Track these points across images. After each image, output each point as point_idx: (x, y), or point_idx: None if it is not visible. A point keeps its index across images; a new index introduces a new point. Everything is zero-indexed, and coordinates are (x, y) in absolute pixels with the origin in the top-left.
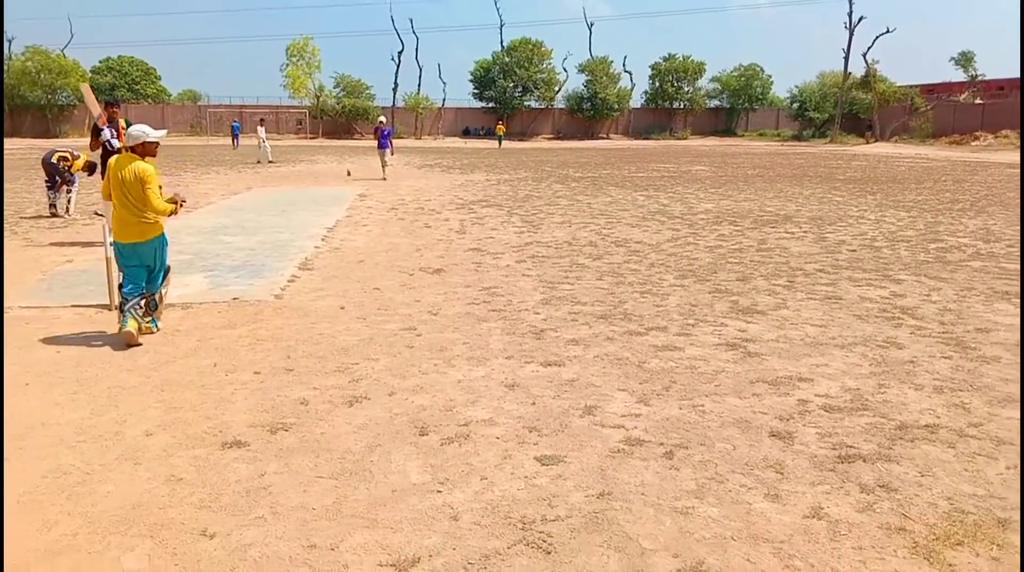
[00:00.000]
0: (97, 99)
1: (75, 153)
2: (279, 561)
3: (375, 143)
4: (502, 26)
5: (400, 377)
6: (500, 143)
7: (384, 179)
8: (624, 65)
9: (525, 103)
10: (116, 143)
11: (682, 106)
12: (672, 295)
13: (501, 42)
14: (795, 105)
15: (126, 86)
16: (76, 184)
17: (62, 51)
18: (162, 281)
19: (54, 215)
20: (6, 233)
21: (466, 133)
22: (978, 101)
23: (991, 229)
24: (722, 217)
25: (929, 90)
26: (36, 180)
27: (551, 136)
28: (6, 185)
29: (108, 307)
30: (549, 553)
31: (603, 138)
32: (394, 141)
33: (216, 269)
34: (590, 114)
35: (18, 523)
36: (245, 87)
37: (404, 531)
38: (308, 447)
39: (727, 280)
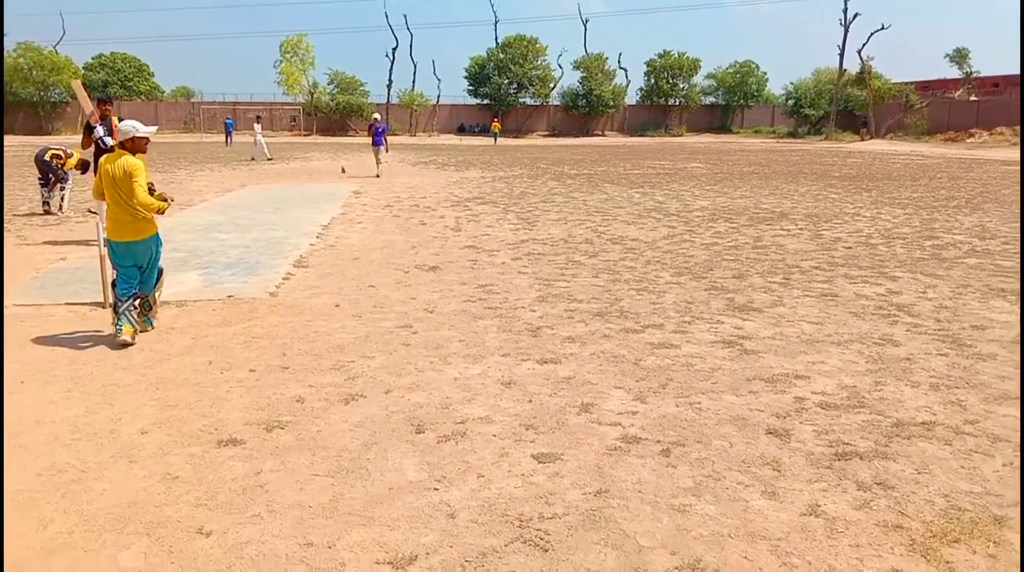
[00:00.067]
0: (89, 96)
1: (68, 151)
2: (276, 559)
3: (370, 140)
4: (497, 22)
5: (396, 375)
6: (496, 140)
7: (378, 177)
8: (619, 62)
9: (520, 100)
10: (109, 141)
11: (677, 103)
12: (668, 292)
13: (496, 38)
14: (790, 102)
15: (119, 83)
16: (70, 182)
17: (54, 48)
18: (156, 282)
19: (47, 213)
20: None
21: (461, 130)
22: (973, 98)
23: (986, 226)
24: (718, 214)
25: (924, 87)
26: (29, 178)
27: (546, 133)
28: None
29: (102, 305)
30: (546, 551)
31: (598, 135)
32: (389, 138)
33: (211, 267)
34: (585, 111)
35: (14, 521)
36: (239, 84)
37: (401, 529)
38: (304, 445)
39: (723, 277)
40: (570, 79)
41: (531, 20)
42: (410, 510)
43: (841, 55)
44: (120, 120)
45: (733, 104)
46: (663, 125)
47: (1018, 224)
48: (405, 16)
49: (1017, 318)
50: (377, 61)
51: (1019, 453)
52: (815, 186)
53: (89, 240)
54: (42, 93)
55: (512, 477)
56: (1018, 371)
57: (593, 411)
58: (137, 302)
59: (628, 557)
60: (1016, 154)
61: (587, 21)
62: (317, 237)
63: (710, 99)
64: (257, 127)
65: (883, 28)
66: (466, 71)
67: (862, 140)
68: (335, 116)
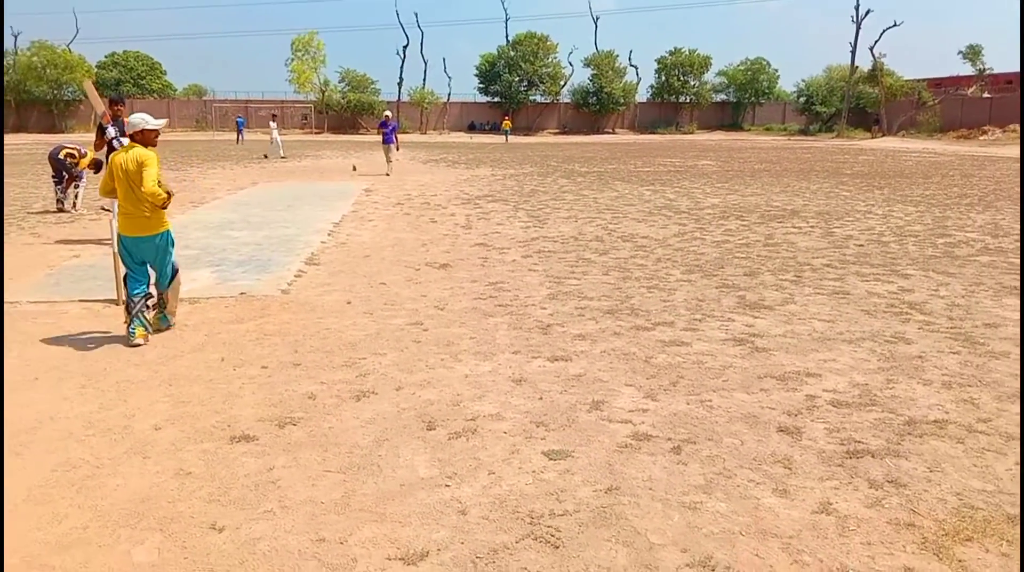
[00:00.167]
0: (101, 96)
1: (83, 151)
2: (288, 555)
3: (380, 138)
4: (507, 20)
5: (407, 372)
6: (507, 138)
7: (388, 175)
8: (630, 59)
9: (530, 98)
10: (125, 142)
11: (688, 100)
12: (679, 290)
13: (506, 36)
14: (802, 99)
15: (132, 81)
16: (84, 180)
17: (68, 46)
18: (171, 280)
19: (61, 210)
20: (13, 228)
21: (471, 128)
22: (986, 95)
23: (999, 224)
24: (729, 212)
25: (936, 84)
26: (43, 175)
27: (557, 131)
28: (14, 180)
29: (115, 302)
30: (557, 548)
31: (609, 133)
32: (399, 136)
33: (223, 264)
34: (596, 109)
35: (29, 516)
36: (250, 82)
37: (412, 525)
38: (316, 441)
39: (734, 275)
40: (581, 77)
41: (542, 18)
42: (421, 506)
43: (853, 52)
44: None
45: (744, 101)
46: (674, 122)
47: None
48: (416, 14)
49: None
50: (388, 59)
51: (1022, 455)
52: (827, 184)
53: (103, 239)
54: (55, 91)
55: (523, 474)
56: None
57: (604, 408)
58: (150, 302)
59: (639, 554)
60: None
61: (598, 19)
62: (328, 235)
63: (721, 96)
64: (273, 125)
65: (895, 25)
66: (477, 69)
67: (874, 137)
68: (346, 114)
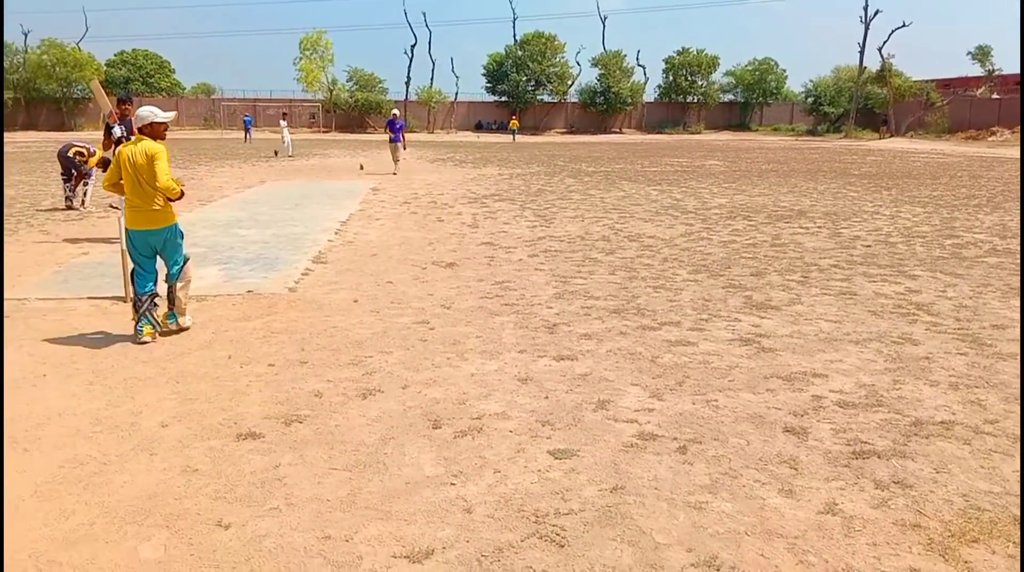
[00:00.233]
0: (108, 95)
1: (92, 150)
2: (294, 552)
3: (387, 136)
4: (515, 19)
5: (413, 370)
6: (515, 137)
7: (395, 174)
8: (638, 59)
9: (538, 97)
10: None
11: (696, 100)
12: (685, 290)
13: (514, 36)
14: (809, 100)
15: (140, 79)
16: (93, 178)
17: (77, 44)
18: (181, 270)
19: (70, 208)
20: (23, 225)
21: (479, 127)
22: (995, 96)
23: (1007, 225)
24: (736, 212)
25: (945, 85)
26: (52, 173)
27: (564, 130)
28: (22, 177)
29: (124, 299)
30: (562, 547)
31: (616, 132)
32: (407, 135)
33: (230, 262)
34: (603, 108)
35: (36, 512)
36: (259, 81)
37: (418, 523)
38: (322, 439)
39: (741, 275)
40: (588, 76)
41: (549, 17)
42: (427, 504)
43: (861, 52)
44: None
45: (752, 102)
46: (681, 122)
47: None
48: (424, 13)
49: None
50: (396, 58)
51: (1022, 455)
52: (834, 184)
53: (111, 238)
54: (65, 89)
55: (528, 473)
56: None
57: (609, 408)
58: (158, 301)
59: (644, 554)
60: None
61: (605, 18)
62: (336, 233)
63: (729, 96)
64: (283, 123)
65: (904, 25)
66: (484, 68)
67: (882, 138)
68: (354, 113)
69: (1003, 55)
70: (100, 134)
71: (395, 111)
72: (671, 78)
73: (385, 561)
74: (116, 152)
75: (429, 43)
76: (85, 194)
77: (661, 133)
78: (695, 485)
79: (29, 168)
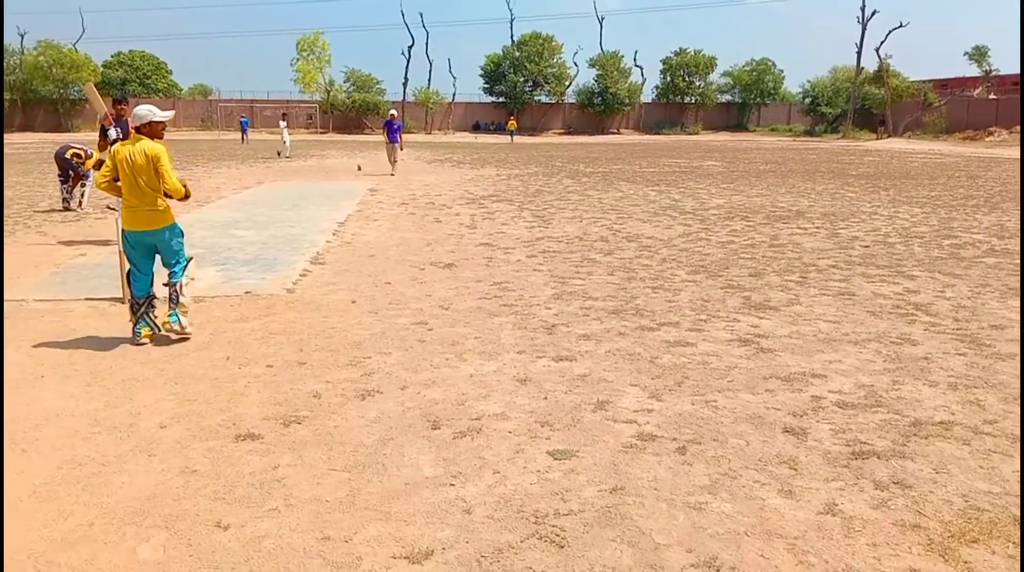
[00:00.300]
0: (103, 96)
1: (88, 151)
2: (293, 553)
3: (384, 138)
4: (512, 20)
5: (412, 371)
6: (512, 138)
7: (392, 175)
8: (635, 60)
9: (535, 98)
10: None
11: (693, 101)
12: (684, 291)
13: (511, 36)
14: (807, 100)
15: (137, 80)
16: (91, 179)
17: (74, 46)
18: (182, 271)
19: (67, 209)
20: (20, 226)
21: (476, 128)
22: (992, 96)
23: (1005, 225)
24: (734, 213)
25: (943, 85)
26: (49, 174)
27: (561, 131)
28: (19, 179)
29: (121, 300)
30: (562, 547)
31: (614, 133)
32: (404, 136)
33: (228, 263)
34: (601, 109)
35: (34, 513)
36: (256, 82)
37: (417, 524)
38: (321, 440)
39: (739, 276)
40: (586, 77)
41: (547, 18)
42: (426, 505)
43: (859, 53)
44: None
45: (749, 102)
46: (679, 123)
47: None
48: (421, 14)
49: None
50: (393, 59)
51: (1022, 454)
52: (832, 184)
53: (108, 240)
54: (61, 91)
55: (528, 473)
56: None
57: (609, 408)
58: (155, 301)
59: (644, 554)
60: None
61: (603, 19)
62: (334, 234)
63: (726, 97)
64: (283, 124)
65: (901, 26)
66: (482, 69)
67: (879, 139)
68: (351, 114)
69: (1000, 55)
70: (96, 136)
71: (392, 112)
72: (668, 79)
73: (384, 562)
74: (111, 151)
75: (426, 44)
76: (82, 195)
77: (659, 134)
78: (695, 486)
79: (26, 169)
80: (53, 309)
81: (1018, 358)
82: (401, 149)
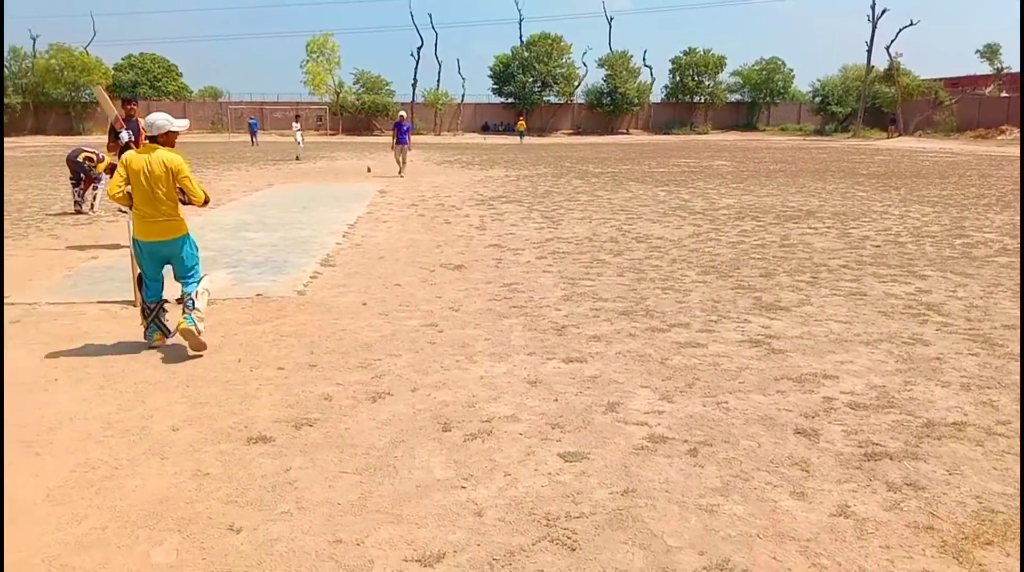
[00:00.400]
0: (113, 99)
1: (100, 155)
2: (305, 556)
3: (392, 138)
4: (521, 21)
5: (422, 373)
6: (522, 138)
7: (401, 176)
8: (644, 59)
9: (544, 98)
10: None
11: (703, 100)
12: (694, 291)
13: (520, 37)
14: (817, 99)
15: (148, 83)
16: (103, 182)
17: (85, 49)
18: (196, 287)
19: (79, 212)
20: (32, 229)
21: (485, 129)
22: (1004, 94)
23: (1018, 224)
24: (744, 213)
25: (954, 83)
26: (61, 177)
27: (570, 131)
28: (32, 182)
29: (133, 303)
30: (574, 550)
31: (623, 133)
32: (413, 137)
33: (239, 265)
34: (610, 109)
35: (48, 516)
36: (265, 84)
37: (429, 526)
38: (332, 442)
39: (750, 276)
40: (595, 77)
41: (556, 18)
42: (437, 508)
43: (869, 51)
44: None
45: (759, 101)
46: (688, 123)
47: None
48: (430, 15)
49: None
50: (402, 60)
51: (1022, 453)
52: (843, 184)
53: (118, 243)
54: (73, 94)
55: (539, 476)
56: None
57: (619, 410)
58: (166, 305)
59: (656, 557)
60: None
61: (612, 19)
62: (343, 236)
63: (736, 96)
64: (296, 126)
65: (912, 24)
66: (491, 70)
67: (890, 137)
68: (361, 115)
69: (1012, 53)
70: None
71: (402, 113)
72: (678, 78)
73: (396, 565)
74: (123, 159)
75: (435, 45)
76: (94, 198)
77: (668, 134)
78: (706, 488)
79: (38, 172)
80: (66, 312)
81: None
82: (409, 149)
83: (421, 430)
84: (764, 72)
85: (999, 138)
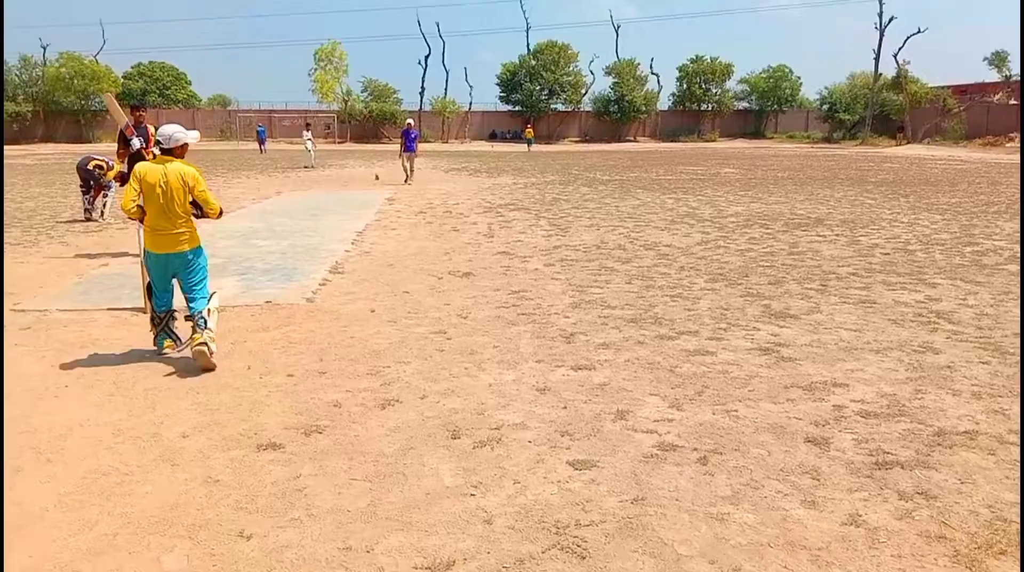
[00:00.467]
0: (122, 105)
1: (110, 163)
2: (315, 563)
3: (399, 146)
4: (528, 29)
5: (431, 380)
6: (530, 146)
7: (409, 184)
8: (651, 67)
9: (552, 106)
10: (155, 151)
11: (710, 108)
12: (703, 299)
13: (527, 45)
14: (825, 107)
15: (157, 91)
16: (113, 189)
17: (95, 57)
18: (205, 305)
19: (89, 219)
20: (43, 237)
21: (493, 136)
22: (1012, 102)
23: None
24: (752, 220)
25: (962, 91)
26: (71, 185)
27: (578, 139)
28: (42, 189)
29: (143, 310)
30: (584, 558)
31: (630, 141)
32: (420, 145)
33: (249, 273)
34: (617, 117)
35: (60, 522)
36: (274, 92)
37: (438, 534)
38: (342, 449)
39: (759, 284)
40: (602, 85)
41: (563, 26)
42: (447, 515)
43: (876, 59)
44: (156, 130)
45: (766, 109)
46: (696, 130)
47: None
48: (437, 24)
49: None
50: (410, 69)
51: (1022, 457)
52: (851, 191)
53: (126, 252)
54: (83, 102)
55: (548, 484)
56: None
57: (629, 418)
58: (175, 313)
59: (666, 565)
60: None
61: (619, 27)
62: (352, 243)
63: (743, 104)
64: (307, 134)
65: (920, 31)
66: (498, 78)
67: (899, 145)
68: (369, 123)
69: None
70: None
71: (409, 121)
72: (685, 86)
73: None
74: (136, 172)
75: (443, 53)
76: (104, 206)
77: (675, 141)
78: (716, 496)
79: (48, 180)
80: (76, 319)
81: None
82: (416, 156)
83: (430, 437)
84: (771, 80)
85: (1008, 145)
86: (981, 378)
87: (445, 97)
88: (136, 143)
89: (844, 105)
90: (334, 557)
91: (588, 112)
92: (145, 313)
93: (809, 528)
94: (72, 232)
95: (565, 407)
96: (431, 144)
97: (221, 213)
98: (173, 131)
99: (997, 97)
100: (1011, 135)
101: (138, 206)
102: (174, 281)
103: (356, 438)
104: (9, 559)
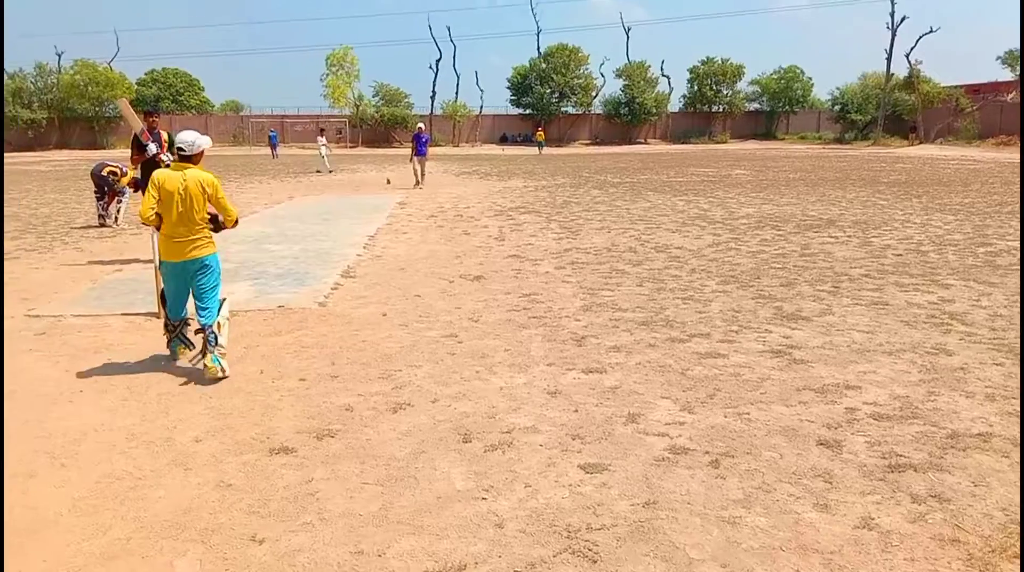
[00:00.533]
0: (136, 111)
1: (124, 170)
2: (327, 567)
3: (410, 150)
4: (539, 32)
5: (443, 384)
6: (541, 150)
7: (420, 188)
8: (662, 69)
9: (562, 109)
10: (168, 157)
11: (721, 110)
12: (714, 301)
13: (538, 48)
14: (836, 107)
15: (170, 97)
16: (127, 195)
17: (109, 64)
18: (217, 311)
19: (103, 225)
20: (57, 242)
21: (503, 140)
22: None
23: None
24: (764, 222)
25: (975, 90)
26: (86, 191)
27: (589, 142)
28: (56, 195)
29: (157, 315)
30: (595, 562)
31: (641, 143)
32: (431, 149)
33: (261, 277)
34: (628, 119)
35: (73, 527)
36: (286, 97)
37: (450, 538)
38: (354, 453)
39: (770, 286)
40: (612, 87)
41: (573, 29)
42: (458, 519)
43: (888, 59)
44: (169, 136)
45: (778, 110)
46: (707, 132)
47: None
48: (448, 28)
49: None
50: (421, 73)
51: (1022, 458)
52: (863, 192)
53: (142, 258)
54: (97, 109)
55: (559, 487)
56: None
57: (640, 421)
58: (189, 320)
59: (678, 569)
60: None
61: (629, 29)
62: (364, 247)
63: (754, 105)
64: (322, 139)
65: (932, 31)
66: (508, 81)
67: (911, 145)
68: (380, 128)
69: None
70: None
71: (420, 125)
72: (696, 88)
73: None
74: (155, 180)
75: (454, 57)
76: (118, 211)
77: (686, 143)
78: (728, 499)
79: (63, 186)
80: (90, 324)
81: None
82: (427, 161)
83: (442, 441)
84: (783, 81)
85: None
86: (995, 380)
87: (456, 101)
88: (152, 148)
89: (856, 106)
90: (346, 561)
91: (599, 115)
92: (159, 318)
93: (821, 531)
94: (86, 238)
95: (576, 410)
96: (442, 148)
97: (237, 222)
98: (194, 138)
99: (1011, 96)
100: None
101: (156, 214)
102: (189, 290)
103: (368, 442)
104: (23, 563)
